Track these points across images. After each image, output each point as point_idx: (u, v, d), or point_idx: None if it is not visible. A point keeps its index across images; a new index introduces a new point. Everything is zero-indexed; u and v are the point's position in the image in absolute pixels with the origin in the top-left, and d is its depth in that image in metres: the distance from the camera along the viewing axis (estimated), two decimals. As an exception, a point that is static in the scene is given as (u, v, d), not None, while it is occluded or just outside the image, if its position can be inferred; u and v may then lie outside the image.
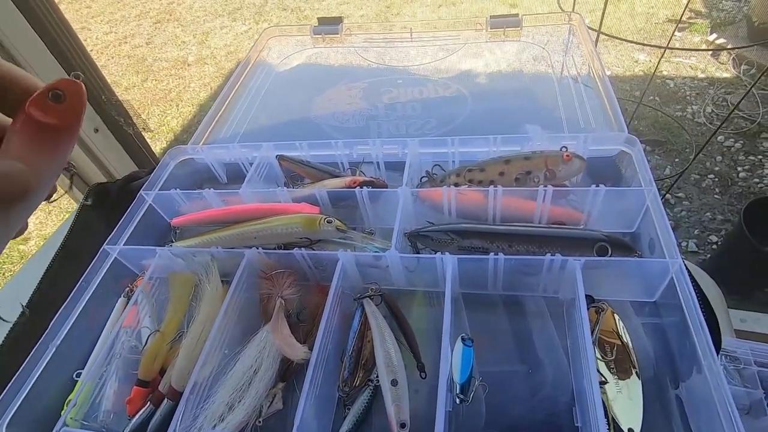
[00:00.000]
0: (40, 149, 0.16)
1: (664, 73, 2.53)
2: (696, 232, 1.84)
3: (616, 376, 0.36)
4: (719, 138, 2.13)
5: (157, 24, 3.69)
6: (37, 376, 0.42)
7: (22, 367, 0.41)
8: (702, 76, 2.48)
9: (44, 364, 0.43)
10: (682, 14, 1.61)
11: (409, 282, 0.47)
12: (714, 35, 2.65)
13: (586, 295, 0.40)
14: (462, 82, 0.69)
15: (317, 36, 0.83)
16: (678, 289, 0.36)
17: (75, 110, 0.17)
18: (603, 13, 1.01)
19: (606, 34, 1.12)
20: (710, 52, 2.65)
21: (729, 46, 2.55)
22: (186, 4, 3.88)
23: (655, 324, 0.41)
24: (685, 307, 0.36)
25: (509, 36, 0.78)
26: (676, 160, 2.06)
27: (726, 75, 2.47)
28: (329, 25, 0.83)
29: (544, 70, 0.71)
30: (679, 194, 1.97)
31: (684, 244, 1.81)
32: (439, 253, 0.41)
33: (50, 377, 0.43)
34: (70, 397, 0.43)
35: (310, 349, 0.38)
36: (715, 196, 1.94)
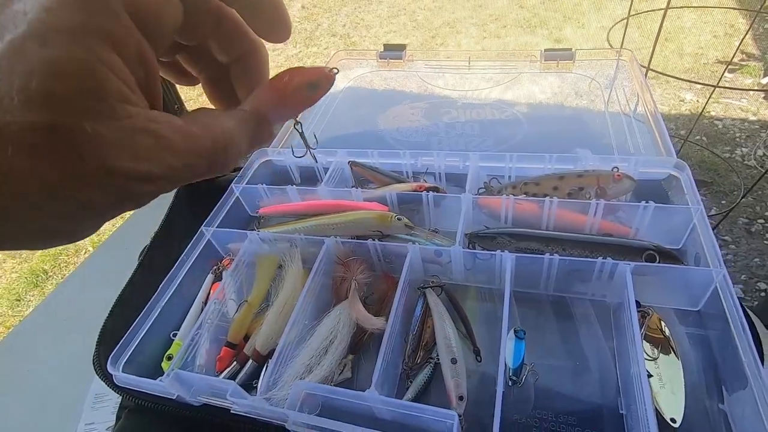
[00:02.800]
0: (281, 113, 0.20)
1: (712, 113, 2.49)
2: (743, 277, 1.78)
3: (660, 374, 0.39)
4: (770, 182, 2.06)
5: (213, 46, 3.96)
6: (144, 331, 0.49)
7: (135, 322, 0.49)
8: (753, 118, 2.43)
9: (151, 322, 0.50)
10: (734, 56, 1.61)
11: (465, 278, 0.52)
12: (767, 78, 2.59)
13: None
14: (517, 107, 0.75)
15: (383, 60, 0.92)
16: (722, 297, 0.40)
17: (320, 95, 0.21)
18: (653, 50, 1.06)
19: (655, 71, 1.16)
20: (763, 95, 2.60)
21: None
22: (242, 27, 4.16)
23: (700, 334, 0.44)
24: (729, 315, 0.39)
25: (562, 68, 0.83)
26: (723, 201, 2.02)
27: (780, 118, 2.39)
28: (394, 51, 0.92)
29: (594, 100, 0.76)
30: (725, 237, 1.92)
31: (729, 289, 1.73)
32: (498, 251, 0.46)
33: (154, 333, 0.50)
34: (169, 352, 0.50)
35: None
36: (765, 241, 1.88)
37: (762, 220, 1.94)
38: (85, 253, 2.21)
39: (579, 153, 0.62)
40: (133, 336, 0.48)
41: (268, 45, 0.22)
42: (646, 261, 0.43)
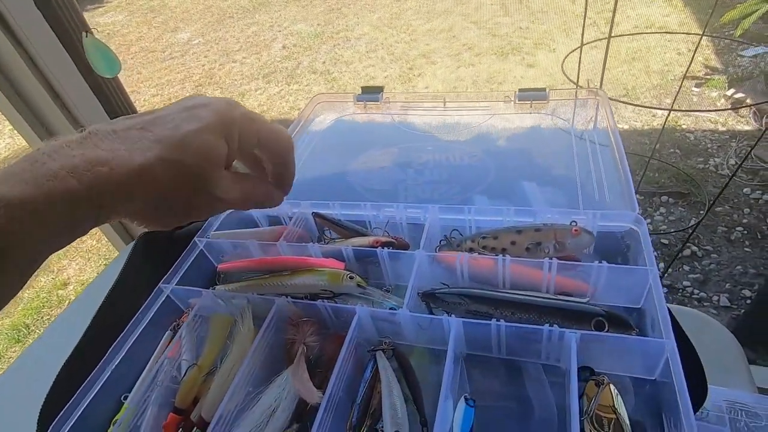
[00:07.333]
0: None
1: (683, 126, 2.57)
2: (727, 286, 1.76)
3: (609, 451, 0.37)
4: (745, 190, 2.09)
5: (198, 87, 4.00)
6: (93, 395, 0.49)
7: (82, 386, 0.48)
8: (723, 129, 2.50)
9: (100, 386, 0.49)
10: (687, 69, 1.62)
11: (420, 339, 0.50)
12: (732, 90, 2.65)
13: (587, 367, 0.42)
14: (488, 151, 0.75)
15: (359, 103, 0.93)
16: (672, 372, 0.38)
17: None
18: (602, 79, 1.04)
19: (614, 99, 1.16)
20: (730, 105, 2.66)
21: (748, 101, 2.55)
22: (225, 69, 4.20)
23: (655, 405, 0.41)
24: (679, 395, 0.37)
25: (535, 108, 0.83)
26: (701, 212, 2.03)
27: (747, 128, 2.47)
28: (371, 93, 0.93)
29: (565, 141, 0.75)
30: (707, 247, 1.94)
31: (715, 298, 1.74)
32: (445, 315, 0.45)
33: (103, 397, 0.49)
34: (116, 418, 0.49)
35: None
36: (746, 249, 1.87)
37: (740, 228, 1.95)
38: (69, 303, 2.21)
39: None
40: (78, 402, 0.47)
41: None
42: (594, 328, 0.41)
